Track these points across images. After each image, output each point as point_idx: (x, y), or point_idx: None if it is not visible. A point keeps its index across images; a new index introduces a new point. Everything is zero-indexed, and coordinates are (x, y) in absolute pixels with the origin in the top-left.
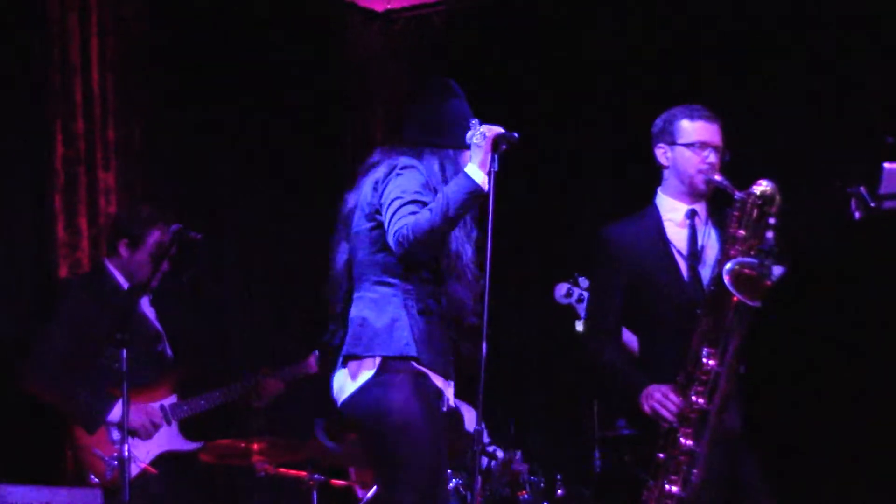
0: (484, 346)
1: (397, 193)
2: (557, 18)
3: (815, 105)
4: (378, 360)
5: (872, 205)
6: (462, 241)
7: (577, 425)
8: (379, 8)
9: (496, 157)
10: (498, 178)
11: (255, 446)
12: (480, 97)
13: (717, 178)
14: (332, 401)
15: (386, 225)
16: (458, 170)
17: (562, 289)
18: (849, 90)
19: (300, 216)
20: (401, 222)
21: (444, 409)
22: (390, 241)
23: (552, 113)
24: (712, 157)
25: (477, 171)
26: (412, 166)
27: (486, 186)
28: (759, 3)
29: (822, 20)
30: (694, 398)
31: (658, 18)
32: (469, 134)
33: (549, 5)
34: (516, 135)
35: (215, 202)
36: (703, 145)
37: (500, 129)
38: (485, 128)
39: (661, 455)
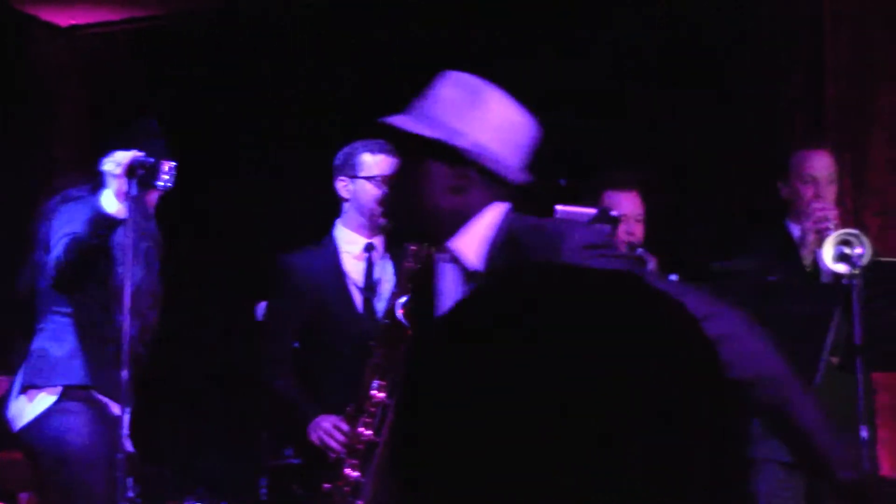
0: (125, 373)
1: (60, 228)
2: (244, 38)
3: None
4: (59, 389)
5: None
6: (136, 270)
7: (244, 452)
8: (62, 23)
9: (133, 182)
10: (186, 198)
11: None
12: (164, 116)
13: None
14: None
15: None
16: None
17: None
18: None
19: None
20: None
21: (123, 435)
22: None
23: (237, 133)
24: None
25: (110, 198)
26: (79, 198)
27: (119, 213)
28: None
29: (501, 70)
30: (362, 430)
31: (350, 49)
32: (103, 161)
33: (233, 27)
34: (152, 159)
35: None
36: (385, 179)
37: (136, 155)
38: (119, 155)
39: (327, 485)
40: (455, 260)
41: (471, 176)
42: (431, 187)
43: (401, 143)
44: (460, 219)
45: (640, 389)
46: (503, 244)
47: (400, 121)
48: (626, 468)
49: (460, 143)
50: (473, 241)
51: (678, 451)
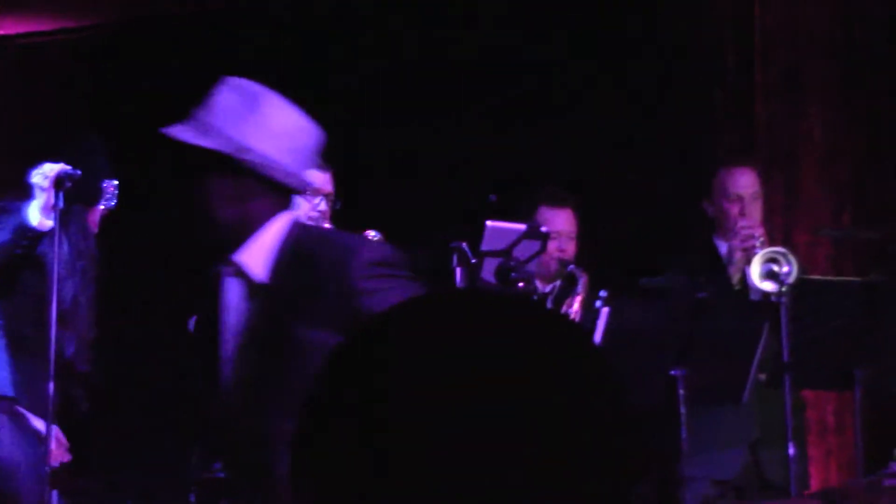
0: (51, 385)
1: None
2: (178, 49)
3: (422, 162)
4: None
5: (473, 261)
6: (74, 287)
7: (174, 465)
8: None
9: (61, 194)
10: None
11: None
12: (98, 128)
13: (327, 226)
14: None
15: None
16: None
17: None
18: (455, 147)
19: None
20: None
21: (48, 450)
22: None
23: (174, 145)
24: (323, 205)
25: (35, 210)
26: (12, 210)
27: (42, 225)
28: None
29: (417, 81)
30: None
31: (278, 60)
32: (32, 173)
33: (167, 38)
34: (80, 172)
35: None
36: (315, 192)
37: (63, 168)
38: (47, 167)
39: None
40: (240, 273)
41: (252, 186)
42: (213, 198)
43: (184, 155)
44: (245, 230)
45: (540, 408)
46: (289, 256)
47: (179, 131)
48: (529, 482)
49: (238, 152)
50: (259, 252)
51: (576, 460)
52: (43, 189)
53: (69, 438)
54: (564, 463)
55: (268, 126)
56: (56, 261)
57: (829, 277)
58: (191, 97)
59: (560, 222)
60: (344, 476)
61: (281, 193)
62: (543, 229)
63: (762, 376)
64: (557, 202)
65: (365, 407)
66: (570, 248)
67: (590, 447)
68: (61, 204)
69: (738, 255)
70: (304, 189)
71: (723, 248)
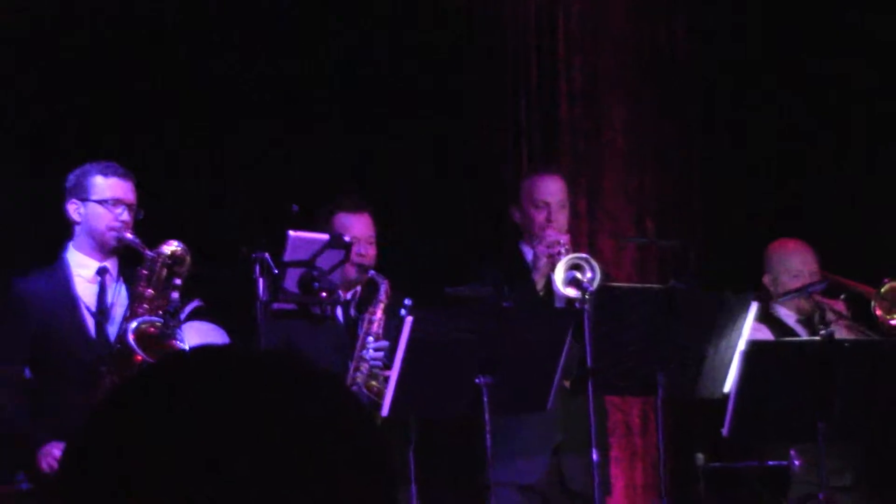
0: None
1: None
2: None
3: (224, 172)
4: None
5: (276, 271)
6: None
7: None
8: None
9: None
10: None
11: None
12: None
13: (129, 236)
14: None
15: None
16: None
17: None
18: (255, 157)
19: None
20: None
21: None
22: None
23: None
24: (125, 215)
25: None
26: None
27: None
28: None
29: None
30: None
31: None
32: None
33: None
34: None
35: None
36: (116, 202)
37: None
38: None
39: None
40: None
41: None
42: None
43: None
44: None
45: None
46: None
47: None
48: None
49: None
50: None
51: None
52: None
53: None
54: None
55: None
56: None
57: (629, 284)
58: None
59: (358, 228)
60: None
61: None
62: (346, 239)
63: (567, 383)
64: (355, 208)
65: (124, 462)
66: (370, 253)
67: None
68: None
69: (543, 262)
70: None
71: (529, 254)
